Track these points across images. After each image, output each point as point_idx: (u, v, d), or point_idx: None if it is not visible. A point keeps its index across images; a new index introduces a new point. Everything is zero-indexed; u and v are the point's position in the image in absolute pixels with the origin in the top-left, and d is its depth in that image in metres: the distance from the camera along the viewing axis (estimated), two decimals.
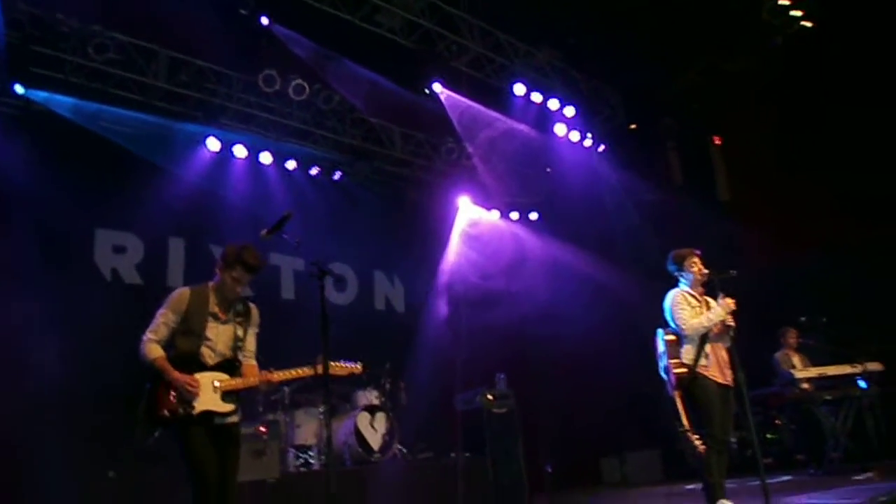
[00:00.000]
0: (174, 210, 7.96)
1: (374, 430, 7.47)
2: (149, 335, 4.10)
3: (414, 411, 8.32)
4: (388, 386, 8.12)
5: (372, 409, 7.54)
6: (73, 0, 6.97)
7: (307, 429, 7.38)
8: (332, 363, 4.35)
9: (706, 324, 5.12)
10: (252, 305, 4.43)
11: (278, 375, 4.30)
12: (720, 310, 5.13)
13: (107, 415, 6.43)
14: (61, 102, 7.44)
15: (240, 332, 4.27)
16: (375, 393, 7.85)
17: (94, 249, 7.78)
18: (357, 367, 4.53)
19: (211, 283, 4.29)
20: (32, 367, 6.53)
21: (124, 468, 6.08)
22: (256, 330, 4.43)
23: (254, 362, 4.39)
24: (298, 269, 9.14)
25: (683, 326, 5.16)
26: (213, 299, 4.22)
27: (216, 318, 4.20)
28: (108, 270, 7.85)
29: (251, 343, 4.39)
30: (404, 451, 7.71)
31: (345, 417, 7.54)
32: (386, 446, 7.43)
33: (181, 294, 4.20)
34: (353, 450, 7.26)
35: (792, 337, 8.10)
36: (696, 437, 4.94)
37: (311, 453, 7.16)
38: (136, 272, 8.00)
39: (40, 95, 7.36)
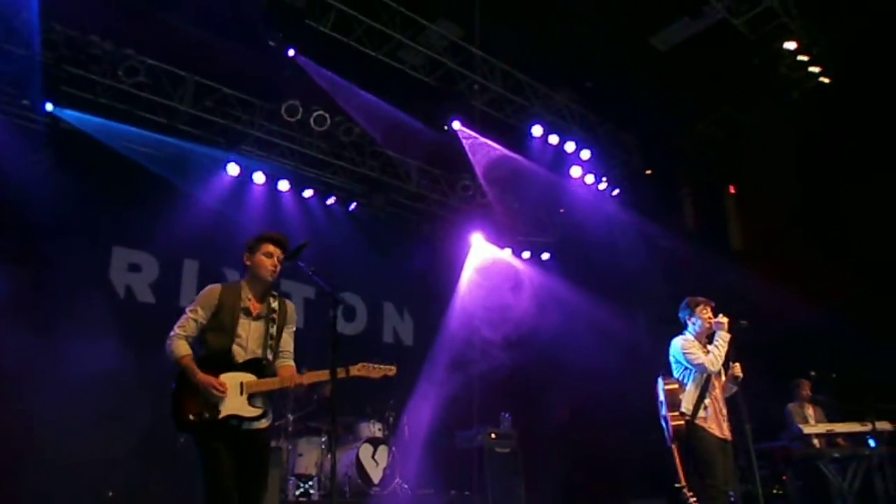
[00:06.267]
0: (191, 232, 8.08)
1: (376, 462, 7.41)
2: (176, 330, 3.91)
3: (416, 446, 8.27)
4: (391, 419, 8.08)
5: (375, 442, 7.50)
6: (108, 24, 7.19)
7: (309, 458, 7.34)
8: (366, 364, 4.16)
9: (720, 350, 5.08)
10: (288, 302, 4.24)
11: (308, 377, 4.05)
12: (722, 331, 5.12)
13: (114, 429, 6.44)
14: (88, 122, 7.61)
15: (272, 330, 4.05)
16: (379, 425, 7.81)
17: (110, 266, 7.89)
18: (391, 368, 4.24)
19: (243, 280, 4.15)
20: (38, 375, 6.56)
21: (126, 487, 6.06)
22: (293, 328, 4.23)
23: (290, 363, 4.16)
24: (309, 297, 9.19)
25: (704, 364, 5.09)
26: (245, 293, 4.04)
27: (248, 313, 4.01)
28: (122, 287, 7.96)
29: (287, 343, 4.18)
30: (405, 485, 7.63)
31: (347, 448, 7.49)
32: (386, 480, 7.37)
33: (212, 290, 4.04)
34: (354, 482, 7.20)
35: (806, 389, 7.99)
36: (692, 494, 4.85)
37: (311, 483, 7.11)
38: (149, 291, 8.11)
39: (68, 114, 7.54)
